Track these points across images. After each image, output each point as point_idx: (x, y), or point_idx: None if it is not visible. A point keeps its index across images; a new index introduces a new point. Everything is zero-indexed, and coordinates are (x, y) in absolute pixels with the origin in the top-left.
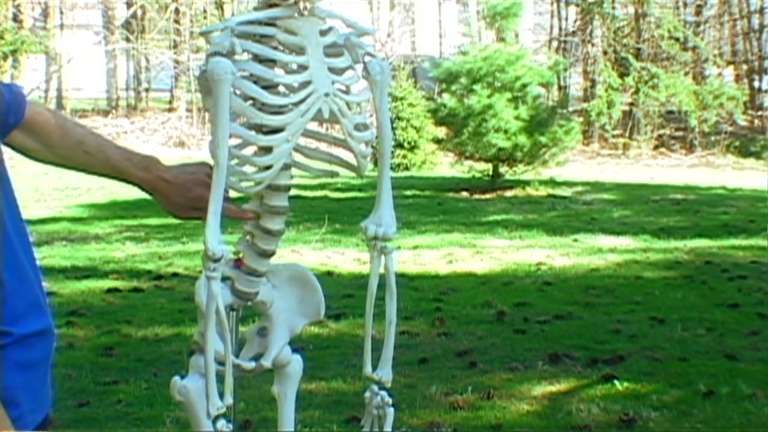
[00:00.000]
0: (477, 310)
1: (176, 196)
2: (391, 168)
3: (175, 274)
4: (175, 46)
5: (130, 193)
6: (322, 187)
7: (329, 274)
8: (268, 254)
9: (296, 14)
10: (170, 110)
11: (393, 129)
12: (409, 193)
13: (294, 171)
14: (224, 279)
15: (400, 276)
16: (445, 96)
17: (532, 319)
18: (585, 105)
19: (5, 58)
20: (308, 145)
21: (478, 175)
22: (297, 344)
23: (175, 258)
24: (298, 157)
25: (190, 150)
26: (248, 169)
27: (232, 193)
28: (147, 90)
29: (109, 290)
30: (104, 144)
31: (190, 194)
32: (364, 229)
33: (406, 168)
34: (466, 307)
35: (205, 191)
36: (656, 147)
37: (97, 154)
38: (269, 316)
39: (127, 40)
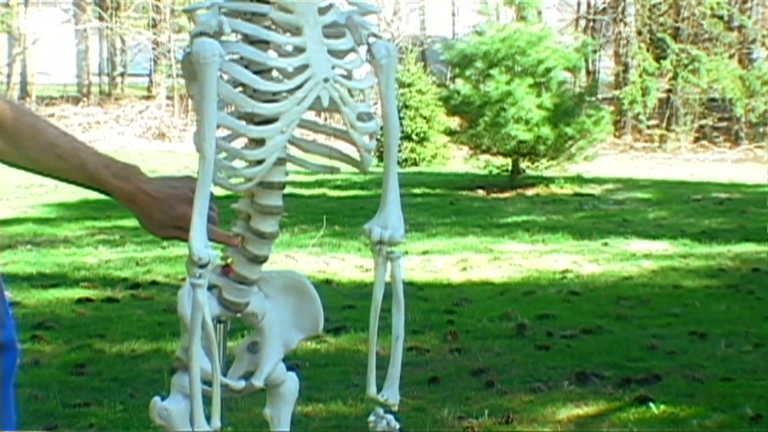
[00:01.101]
0: (494, 324)
1: (157, 213)
2: (398, 163)
3: (154, 283)
4: (155, 26)
5: None
6: (320, 184)
7: (328, 282)
8: (260, 260)
9: None
10: (148, 98)
11: (400, 119)
12: (418, 191)
13: (289, 166)
14: (211, 288)
15: (408, 284)
16: (459, 82)
17: (557, 333)
18: (616, 92)
19: None
20: (305, 137)
21: (495, 171)
22: (292, 361)
23: (154, 264)
24: (293, 151)
25: (171, 143)
26: (238, 163)
27: (220, 191)
28: (122, 75)
29: (80, 300)
30: (80, 148)
31: (172, 212)
32: (368, 232)
33: (415, 163)
34: (482, 319)
35: (189, 209)
36: (697, 139)
37: (71, 159)
38: (261, 330)
39: (100, 18)
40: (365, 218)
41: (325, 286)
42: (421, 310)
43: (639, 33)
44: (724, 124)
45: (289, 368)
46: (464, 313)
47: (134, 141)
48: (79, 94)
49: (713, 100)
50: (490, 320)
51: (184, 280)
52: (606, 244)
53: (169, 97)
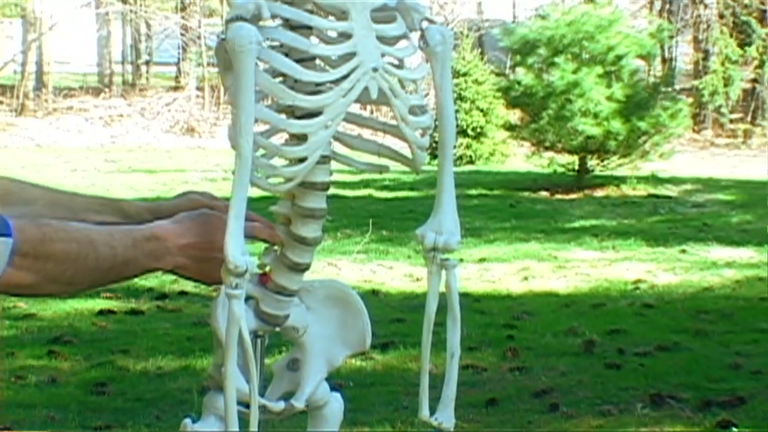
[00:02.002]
0: (559, 340)
1: (209, 268)
2: (453, 161)
3: (182, 293)
4: (183, 9)
5: (126, 189)
6: (366, 184)
7: (375, 293)
8: (301, 268)
9: None
10: (176, 89)
11: (455, 112)
12: (474, 192)
13: (333, 165)
14: (247, 299)
15: (464, 296)
16: (520, 71)
17: (629, 350)
18: (695, 82)
19: None
20: (351, 133)
21: (560, 169)
22: (336, 380)
23: None
24: (338, 148)
25: (201, 138)
26: (277, 161)
27: (257, 192)
28: (148, 63)
29: (101, 312)
30: (111, 244)
31: (212, 275)
32: (420, 237)
33: (471, 161)
34: (545, 335)
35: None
36: None
37: (114, 266)
38: (302, 346)
39: (124, 1)
40: (416, 222)
41: (371, 297)
42: (477, 325)
43: (721, 16)
44: None
45: (333, 388)
46: (525, 328)
47: (160, 136)
48: (100, 85)
49: None
50: (554, 336)
51: (217, 290)
52: (684, 251)
53: (199, 88)
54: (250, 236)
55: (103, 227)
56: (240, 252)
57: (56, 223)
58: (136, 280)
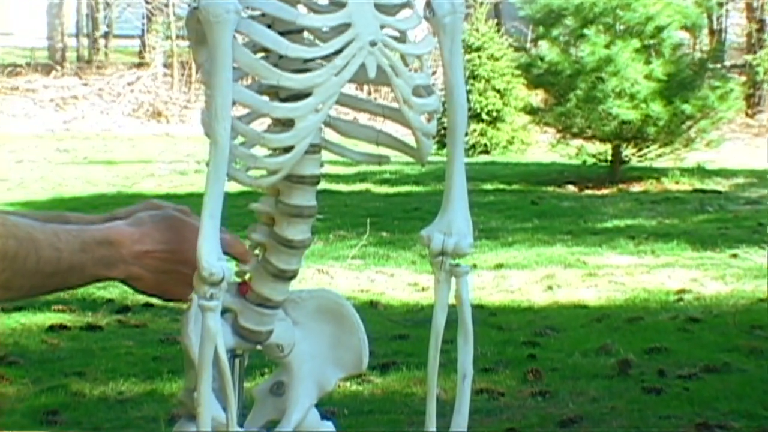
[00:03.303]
0: (589, 359)
1: (172, 281)
2: (465, 150)
3: (147, 305)
4: None
5: (81, 183)
6: (362, 178)
7: (373, 305)
8: (287, 276)
9: None
10: (140, 66)
11: (467, 93)
12: (489, 186)
13: (324, 155)
14: (224, 312)
15: (478, 308)
16: (543, 45)
17: (671, 372)
18: (749, 57)
19: None
20: (345, 118)
21: (590, 160)
22: (328, 407)
23: None
24: (330, 135)
25: (169, 124)
26: (259, 151)
27: (235, 187)
28: (107, 36)
29: (52, 328)
30: (55, 244)
31: (170, 290)
32: (427, 239)
33: (486, 150)
34: (572, 354)
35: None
36: None
37: (60, 269)
38: (288, 367)
39: None
40: (421, 222)
41: (369, 309)
42: (494, 342)
43: None
44: None
45: (324, 416)
46: (550, 346)
47: (122, 121)
48: (50, 62)
49: None
50: (583, 355)
51: (189, 301)
52: (735, 255)
53: (167, 66)
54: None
55: (50, 226)
56: (216, 257)
57: None
58: (93, 289)
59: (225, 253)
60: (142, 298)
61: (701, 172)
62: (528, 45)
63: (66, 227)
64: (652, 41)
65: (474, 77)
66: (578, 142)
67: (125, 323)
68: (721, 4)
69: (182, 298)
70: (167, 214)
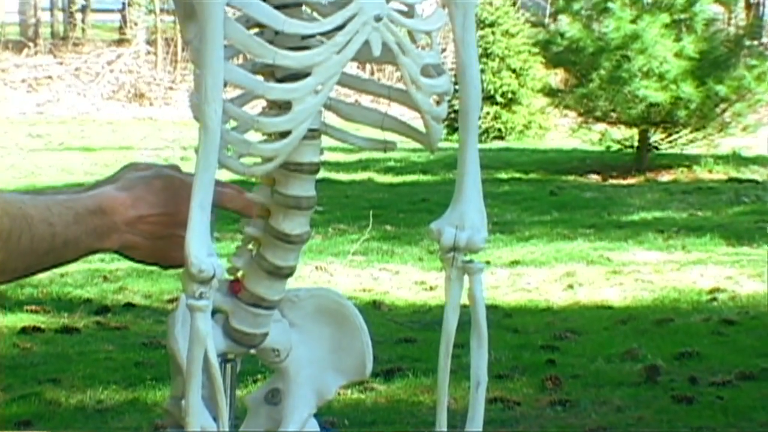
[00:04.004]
0: (613, 365)
1: (151, 255)
2: (478, 136)
3: (129, 305)
4: None
5: (56, 171)
6: (365, 166)
7: (377, 305)
8: (283, 273)
9: None
10: (121, 43)
11: (481, 73)
12: (504, 175)
13: (324, 141)
14: (214, 313)
15: (493, 309)
16: (563, 20)
17: (703, 379)
18: None
19: None
20: (347, 100)
21: (615, 146)
22: (327, 417)
23: (130, 279)
24: (330, 119)
25: (153, 106)
26: (253, 136)
27: (227, 175)
28: (84, 11)
29: (25, 330)
30: (48, 218)
31: (169, 255)
32: (436, 234)
33: (500, 136)
34: (595, 359)
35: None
36: None
37: (55, 244)
38: (284, 373)
39: None
40: (430, 215)
41: (372, 310)
42: (509, 346)
43: None
44: None
45: (323, 427)
46: (570, 350)
47: (100, 104)
48: (22, 39)
49: None
50: (607, 360)
51: (174, 301)
52: None
53: (150, 43)
54: (218, 206)
55: (41, 198)
56: (205, 252)
57: None
58: (69, 288)
59: (225, 208)
60: (124, 298)
61: (737, 159)
62: (546, 20)
63: (57, 198)
64: (682, 15)
65: (487, 55)
66: (601, 126)
67: (104, 325)
68: None
69: (182, 264)
70: (159, 174)
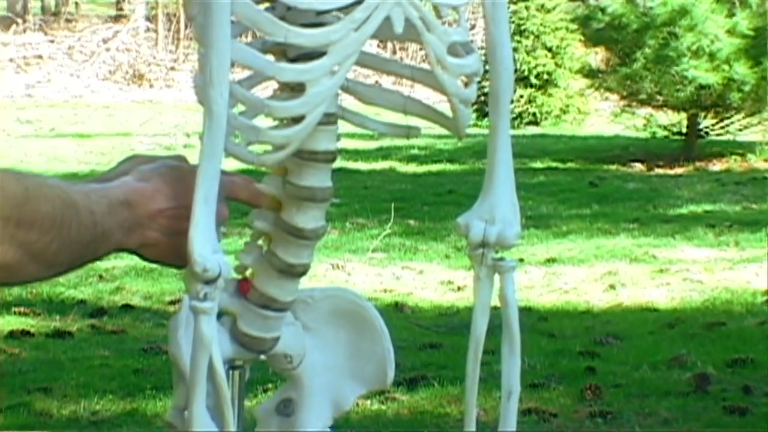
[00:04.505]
0: (659, 374)
1: (171, 254)
2: (511, 121)
3: (126, 307)
4: None
5: (47, 160)
6: (386, 155)
7: (399, 308)
8: (296, 271)
9: None
10: (118, 19)
11: (513, 51)
12: (539, 165)
13: (341, 126)
14: (220, 315)
15: (526, 311)
16: None
17: (758, 389)
18: None
19: None
20: (366, 81)
21: (661, 133)
22: (345, 429)
23: (128, 278)
24: (348, 102)
25: (153, 89)
26: (262, 122)
27: (234, 164)
28: None
29: (13, 334)
30: (92, 211)
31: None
32: (464, 228)
33: (535, 121)
34: (639, 366)
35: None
36: None
37: (95, 237)
38: (297, 381)
39: None
40: (457, 208)
41: (394, 313)
42: (545, 352)
43: None
44: None
45: None
46: (612, 357)
47: (96, 86)
48: (10, 14)
49: None
50: (652, 368)
51: (176, 303)
52: None
53: (150, 19)
54: (226, 197)
55: (78, 183)
56: (210, 249)
57: (32, 175)
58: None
59: (233, 199)
60: (121, 299)
61: None
62: None
63: (90, 186)
64: None
65: (521, 33)
66: (646, 111)
67: (100, 329)
68: None
69: None
70: (169, 165)
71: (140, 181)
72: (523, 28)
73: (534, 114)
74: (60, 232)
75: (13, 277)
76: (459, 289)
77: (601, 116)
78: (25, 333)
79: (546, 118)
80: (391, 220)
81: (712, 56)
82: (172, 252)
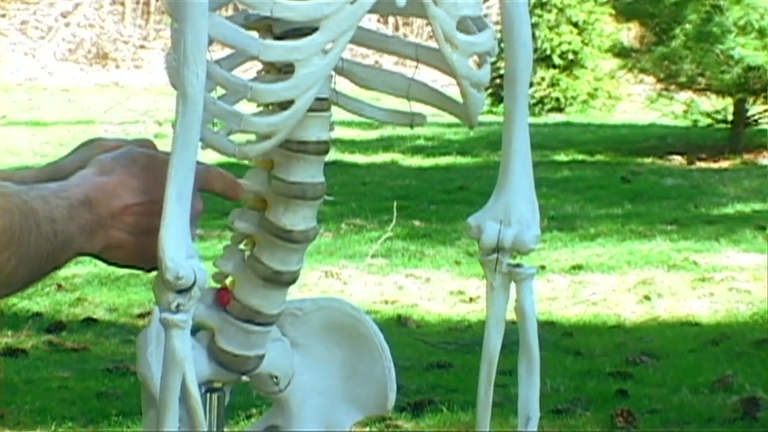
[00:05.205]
0: (701, 398)
1: (138, 255)
2: (530, 107)
3: (89, 321)
4: None
5: (0, 156)
6: (387, 146)
7: (401, 321)
8: (284, 280)
9: None
10: None
11: (532, 28)
12: (563, 157)
13: (336, 113)
14: (197, 330)
15: (548, 325)
16: None
17: None
18: None
19: None
20: (364, 62)
21: (704, 121)
22: None
23: (90, 288)
24: (343, 86)
25: (119, 69)
26: (245, 107)
27: (213, 156)
28: None
29: None
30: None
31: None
32: (476, 231)
33: (558, 107)
34: (678, 389)
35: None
36: None
37: (55, 244)
38: (285, 405)
39: None
40: (468, 207)
41: (396, 327)
42: (570, 372)
43: None
44: None
45: None
46: (646, 378)
47: (54, 66)
48: None
49: None
50: (693, 391)
51: (145, 316)
52: None
53: None
54: (201, 188)
55: (36, 187)
56: (184, 253)
57: None
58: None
59: (206, 190)
60: (83, 311)
61: None
62: None
63: (49, 187)
64: None
65: (542, 6)
66: (687, 95)
67: (59, 346)
68: None
69: None
70: (134, 153)
71: (101, 174)
72: (545, 1)
73: (557, 99)
74: (18, 248)
75: None
76: (471, 300)
77: (634, 102)
78: None
79: (571, 104)
80: (393, 220)
81: (762, 33)
82: (139, 253)
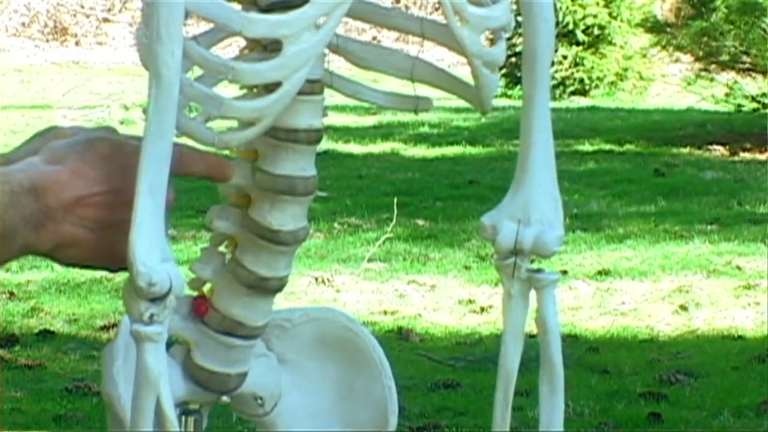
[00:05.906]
0: (746, 421)
1: (97, 253)
2: (552, 90)
3: (45, 333)
4: None
5: None
6: (387, 134)
7: (403, 334)
8: (269, 287)
9: None
10: None
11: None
12: (588, 147)
13: (329, 96)
14: (172, 343)
15: (572, 338)
16: None
17: None
18: None
19: None
20: (361, 39)
21: (748, 105)
22: None
23: (47, 297)
24: (337, 65)
25: (80, 47)
26: (226, 91)
27: (190, 145)
28: None
29: None
30: None
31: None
32: (491, 231)
33: (583, 90)
34: (719, 413)
35: None
36: None
37: None
38: (271, 430)
39: None
40: (480, 204)
41: (397, 341)
42: (596, 393)
43: None
44: None
45: None
46: (683, 400)
47: (5, 42)
48: None
49: None
50: (736, 414)
51: (111, 328)
52: None
53: None
54: (178, 173)
55: None
56: (158, 257)
57: None
58: None
59: (187, 174)
60: (37, 323)
61: None
62: None
63: None
64: None
65: None
66: (729, 76)
67: (10, 362)
68: None
69: None
70: (92, 138)
71: (51, 162)
72: None
73: (581, 80)
74: None
75: None
76: (482, 310)
77: (669, 84)
78: None
79: (597, 86)
80: (393, 219)
81: None
82: (99, 251)
